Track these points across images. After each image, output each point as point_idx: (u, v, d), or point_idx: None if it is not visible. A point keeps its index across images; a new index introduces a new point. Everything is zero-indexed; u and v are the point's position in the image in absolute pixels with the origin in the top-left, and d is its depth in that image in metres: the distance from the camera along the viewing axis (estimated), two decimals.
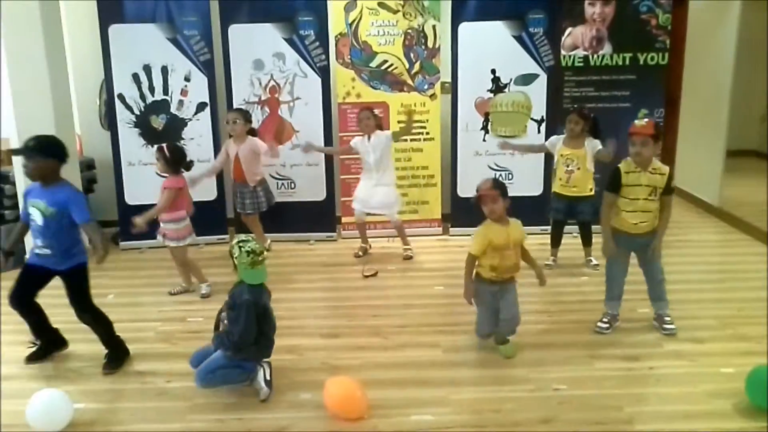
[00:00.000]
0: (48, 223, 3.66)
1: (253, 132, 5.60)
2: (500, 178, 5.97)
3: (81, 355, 4.01)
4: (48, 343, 4.01)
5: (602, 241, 4.08)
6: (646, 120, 4.01)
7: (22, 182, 5.32)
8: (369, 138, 5.44)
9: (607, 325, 4.14)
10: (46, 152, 3.65)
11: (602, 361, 3.78)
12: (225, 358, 3.42)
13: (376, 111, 5.61)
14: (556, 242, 5.42)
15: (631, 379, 3.61)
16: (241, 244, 3.40)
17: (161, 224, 4.82)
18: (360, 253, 5.72)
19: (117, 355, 3.90)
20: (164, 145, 4.92)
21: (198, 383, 3.43)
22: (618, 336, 4.04)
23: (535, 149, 5.68)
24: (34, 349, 3.99)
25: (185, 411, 3.37)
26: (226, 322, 3.48)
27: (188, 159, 4.90)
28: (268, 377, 3.49)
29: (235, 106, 5.86)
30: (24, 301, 3.87)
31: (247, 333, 3.37)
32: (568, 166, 5.12)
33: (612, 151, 4.93)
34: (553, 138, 5.36)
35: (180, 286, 5.00)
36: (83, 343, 4.11)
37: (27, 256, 3.92)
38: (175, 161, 4.78)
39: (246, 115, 5.57)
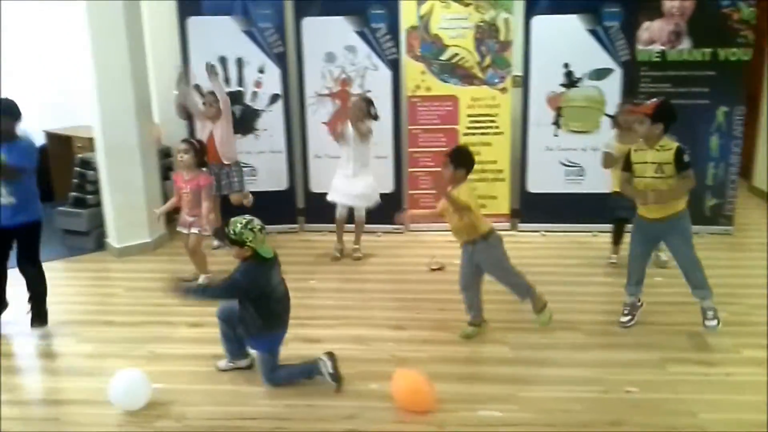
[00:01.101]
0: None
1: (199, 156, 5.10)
2: (572, 175, 5.97)
3: (160, 337, 4.17)
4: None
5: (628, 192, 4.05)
6: (653, 100, 4.04)
7: (105, 167, 5.57)
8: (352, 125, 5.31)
9: (628, 317, 4.17)
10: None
11: (676, 365, 3.70)
12: (266, 355, 3.53)
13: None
14: (618, 240, 5.30)
15: (707, 385, 3.53)
16: (250, 226, 3.36)
17: (188, 218, 4.90)
18: (338, 254, 5.61)
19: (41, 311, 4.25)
20: (192, 140, 5.03)
21: (268, 384, 3.54)
22: (694, 340, 3.95)
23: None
24: None
25: (258, 396, 3.47)
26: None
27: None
28: (331, 370, 3.51)
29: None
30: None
31: (212, 297, 3.69)
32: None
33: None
34: (609, 140, 5.14)
35: (204, 277, 5.03)
36: (162, 326, 4.29)
37: None
38: (202, 155, 4.94)
39: (216, 97, 5.53)
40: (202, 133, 5.57)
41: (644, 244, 4.12)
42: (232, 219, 3.40)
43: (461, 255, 4.08)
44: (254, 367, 3.67)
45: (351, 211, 5.54)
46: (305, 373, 3.56)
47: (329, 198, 5.53)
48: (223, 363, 3.73)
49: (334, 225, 5.65)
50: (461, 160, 3.87)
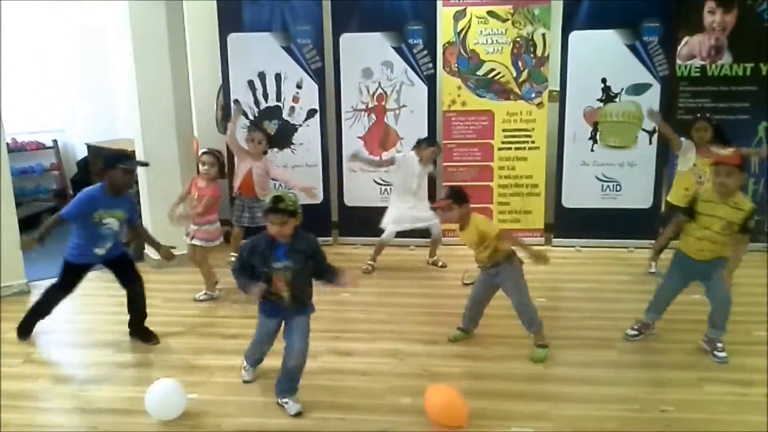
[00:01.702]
0: (121, 228, 4.16)
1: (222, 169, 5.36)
2: (608, 190, 5.91)
3: (196, 347, 4.24)
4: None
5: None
6: (732, 149, 3.87)
7: (145, 180, 5.68)
8: (422, 162, 5.48)
9: (635, 333, 4.16)
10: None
11: (713, 385, 3.64)
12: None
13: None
14: (658, 252, 5.21)
15: (744, 406, 3.45)
16: (293, 197, 3.32)
17: (193, 227, 4.99)
18: (370, 269, 5.65)
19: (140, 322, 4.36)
20: (215, 151, 5.09)
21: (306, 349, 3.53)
22: (731, 359, 3.86)
23: (668, 134, 5.18)
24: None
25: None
26: (293, 282, 3.42)
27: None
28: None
29: (254, 123, 6.02)
30: (63, 296, 4.28)
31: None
32: (700, 177, 4.91)
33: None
34: (686, 141, 5.04)
35: (204, 293, 5.09)
36: (197, 336, 4.35)
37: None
38: (223, 168, 5.07)
39: (270, 137, 5.76)
40: (240, 168, 5.64)
41: (682, 280, 4.04)
42: (278, 194, 3.31)
43: (480, 274, 4.15)
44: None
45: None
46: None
47: (391, 228, 5.58)
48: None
49: (367, 238, 5.73)
50: (462, 197, 3.96)
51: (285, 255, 3.33)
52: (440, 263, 5.72)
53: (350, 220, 6.32)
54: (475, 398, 3.51)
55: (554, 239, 6.15)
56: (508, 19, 5.87)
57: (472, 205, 4.00)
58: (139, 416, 3.41)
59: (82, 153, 7.71)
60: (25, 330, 4.31)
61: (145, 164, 4.60)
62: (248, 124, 6.11)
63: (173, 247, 4.39)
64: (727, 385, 3.64)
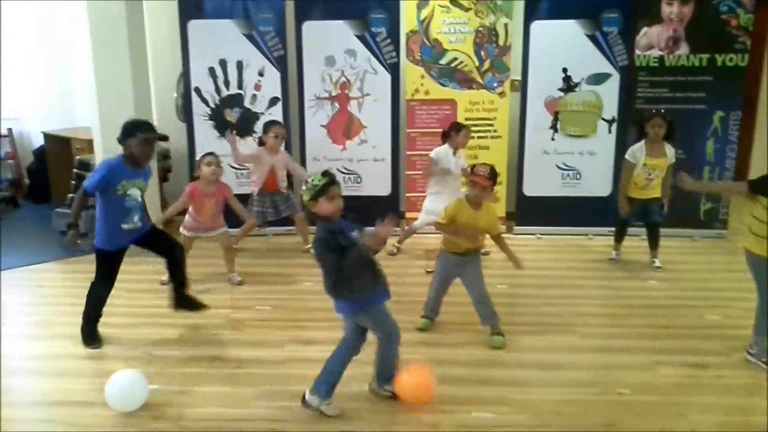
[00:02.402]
0: (143, 198, 4.07)
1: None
2: (568, 178, 6.00)
3: (157, 339, 4.19)
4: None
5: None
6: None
7: None
8: (454, 152, 5.43)
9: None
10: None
11: (668, 368, 3.73)
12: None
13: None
14: (620, 238, 5.38)
15: (698, 387, 3.55)
16: (328, 175, 3.17)
17: (206, 225, 5.05)
18: (395, 251, 5.75)
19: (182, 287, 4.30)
20: (212, 153, 5.04)
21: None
22: (685, 343, 3.97)
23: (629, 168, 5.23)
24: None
25: (254, 397, 3.49)
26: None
27: None
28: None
29: (271, 119, 5.84)
30: (112, 284, 4.19)
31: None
32: (649, 175, 5.06)
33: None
34: (631, 150, 5.14)
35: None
36: (159, 327, 4.32)
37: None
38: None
39: (285, 129, 5.73)
40: (259, 169, 5.58)
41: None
42: (323, 171, 3.19)
43: (440, 264, 4.15)
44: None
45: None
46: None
47: (424, 217, 5.56)
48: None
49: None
50: (496, 178, 3.95)
51: (351, 228, 3.19)
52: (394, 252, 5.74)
53: None
54: (438, 384, 3.54)
55: (516, 227, 6.23)
56: (470, 9, 5.90)
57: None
58: (98, 408, 3.36)
59: (39, 141, 7.55)
60: (90, 339, 4.11)
61: (164, 138, 4.36)
62: (208, 113, 6.06)
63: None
64: (682, 368, 3.73)
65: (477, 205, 3.95)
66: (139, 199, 4.02)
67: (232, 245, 5.21)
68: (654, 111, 5.26)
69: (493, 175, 3.88)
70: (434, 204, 5.34)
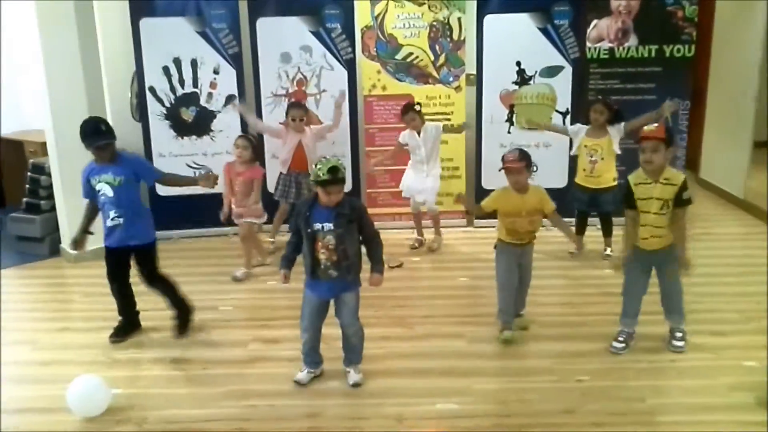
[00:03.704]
0: (119, 194, 3.94)
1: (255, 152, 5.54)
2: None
3: (117, 342, 4.14)
4: (129, 324, 4.23)
5: (619, 253, 3.98)
6: (655, 125, 3.70)
7: (58, 172, 5.48)
8: (419, 132, 5.48)
9: (623, 345, 3.87)
10: (112, 132, 4.00)
11: (625, 354, 3.83)
12: (357, 293, 3.49)
13: (416, 105, 5.50)
14: (580, 231, 5.49)
15: (654, 372, 3.66)
16: (343, 164, 3.33)
17: (235, 208, 5.12)
18: (416, 245, 5.77)
19: (184, 317, 4.19)
20: (248, 135, 5.22)
21: (357, 323, 3.55)
22: (641, 328, 4.06)
23: (558, 130, 5.65)
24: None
25: (219, 397, 3.49)
26: (335, 246, 3.32)
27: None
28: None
29: (293, 102, 5.89)
30: (119, 281, 4.12)
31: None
32: (591, 157, 5.18)
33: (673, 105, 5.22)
34: (575, 126, 5.41)
35: (243, 271, 5.18)
36: None
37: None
38: (255, 150, 5.17)
39: (306, 108, 5.71)
40: (285, 146, 5.58)
41: (643, 275, 3.84)
42: (332, 164, 3.24)
43: (502, 256, 4.04)
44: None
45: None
46: (317, 356, 3.67)
47: (404, 194, 5.72)
48: (303, 375, 3.62)
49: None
50: (530, 160, 3.93)
51: (329, 218, 3.29)
52: (435, 246, 5.75)
53: (272, 208, 6.28)
54: (400, 377, 3.62)
55: (476, 220, 6.29)
56: (424, 3, 5.93)
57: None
58: (60, 414, 3.33)
59: None
60: (114, 332, 4.16)
61: (107, 144, 3.94)
62: (164, 112, 6.00)
63: (210, 172, 4.24)
64: (637, 353, 3.84)
65: (521, 190, 3.93)
66: (110, 194, 3.92)
67: (248, 237, 5.21)
68: (599, 98, 5.49)
69: (522, 156, 3.87)
70: (414, 182, 5.63)
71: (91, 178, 3.95)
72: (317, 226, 3.30)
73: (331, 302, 3.51)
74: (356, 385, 3.54)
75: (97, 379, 3.39)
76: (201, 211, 5.85)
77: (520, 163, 3.83)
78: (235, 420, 3.30)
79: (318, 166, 3.25)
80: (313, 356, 3.61)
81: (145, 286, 4.13)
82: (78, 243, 4.12)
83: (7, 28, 6.76)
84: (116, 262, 4.08)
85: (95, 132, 3.89)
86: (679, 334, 3.90)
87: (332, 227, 3.29)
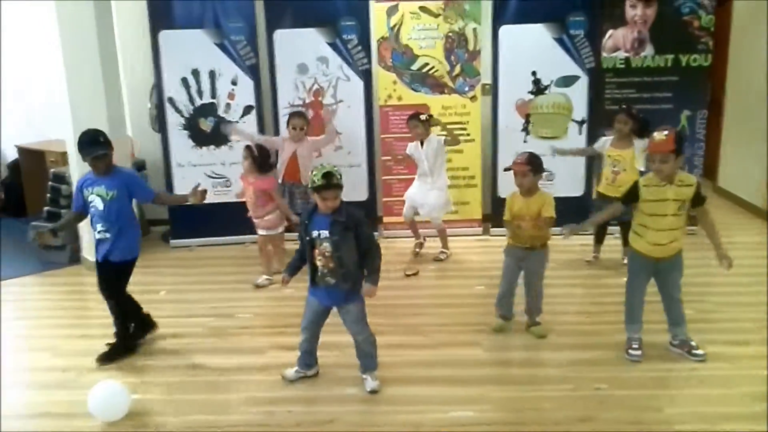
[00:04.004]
0: (109, 208, 3.92)
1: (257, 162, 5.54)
2: (542, 180, 6.08)
3: (138, 348, 4.19)
4: (138, 329, 4.23)
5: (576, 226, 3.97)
6: (666, 133, 3.62)
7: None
8: (422, 144, 5.52)
9: (640, 352, 3.86)
10: (110, 144, 3.98)
11: (642, 363, 3.82)
12: (361, 301, 3.51)
13: (423, 115, 5.57)
14: (598, 240, 5.48)
15: (672, 381, 3.65)
16: (339, 170, 3.38)
17: (255, 219, 5.22)
18: (417, 249, 5.81)
19: (119, 349, 4.08)
20: (252, 145, 5.23)
21: (366, 330, 3.58)
22: (658, 337, 4.04)
23: (587, 153, 5.65)
24: (107, 350, 4.11)
25: (237, 403, 3.52)
26: (331, 254, 3.37)
27: (272, 159, 5.30)
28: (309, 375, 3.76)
29: (294, 110, 5.94)
30: (109, 293, 4.10)
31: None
32: (614, 167, 5.17)
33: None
34: (601, 139, 5.38)
35: (264, 278, 5.24)
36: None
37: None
38: (262, 162, 5.14)
39: (306, 118, 5.76)
40: (281, 157, 5.66)
41: (646, 283, 3.86)
42: (326, 170, 3.32)
43: (505, 255, 4.19)
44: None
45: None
46: (312, 358, 3.76)
47: (407, 204, 5.75)
48: (291, 372, 3.72)
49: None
50: (540, 165, 4.00)
51: (325, 225, 3.37)
52: (444, 257, 5.76)
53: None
54: (418, 385, 3.63)
55: (492, 229, 6.30)
56: (439, 14, 5.98)
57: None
58: (80, 419, 3.37)
59: (12, 155, 7.49)
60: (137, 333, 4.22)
61: (104, 154, 3.93)
62: (183, 123, 6.07)
63: (197, 185, 4.19)
64: (656, 362, 3.82)
65: (528, 193, 4.01)
66: (100, 207, 3.92)
67: (262, 247, 5.32)
68: (622, 106, 5.42)
69: (530, 160, 3.94)
70: (417, 194, 5.68)
71: (85, 189, 3.95)
72: (315, 233, 3.39)
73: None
74: (373, 391, 3.56)
75: (117, 385, 3.44)
76: (219, 220, 5.91)
77: (526, 166, 3.92)
78: (252, 426, 3.32)
79: (314, 173, 3.35)
80: (307, 358, 3.71)
81: (103, 297, 4.10)
82: (40, 236, 4.10)
83: (29, 40, 6.90)
84: (103, 276, 4.07)
85: (93, 142, 3.91)
86: (693, 343, 3.88)
87: (328, 234, 3.36)
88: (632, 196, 3.74)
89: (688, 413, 3.33)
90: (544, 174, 5.97)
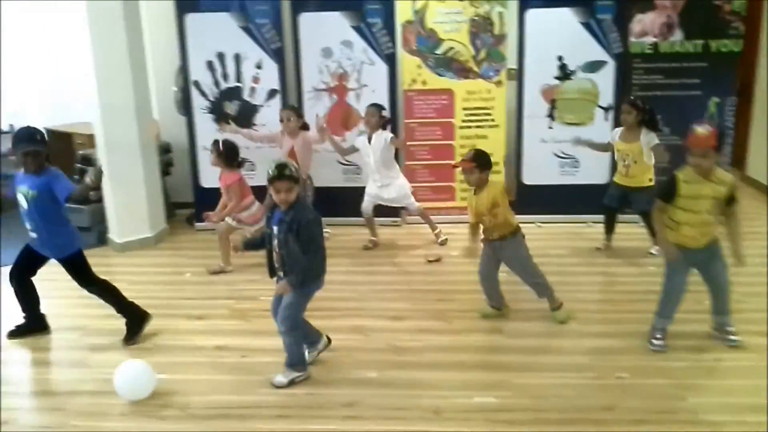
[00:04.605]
0: (34, 208, 3.88)
1: (305, 127, 5.71)
2: (566, 166, 6.05)
3: (162, 329, 4.25)
4: (32, 323, 4.25)
5: (662, 248, 3.88)
6: (709, 128, 3.55)
7: (105, 163, 5.62)
8: (370, 139, 5.53)
9: (663, 342, 3.83)
10: (45, 143, 3.94)
11: (666, 352, 3.79)
12: (295, 296, 3.49)
13: (385, 111, 5.66)
14: (609, 229, 5.45)
15: (697, 371, 3.61)
16: (295, 165, 3.47)
17: (231, 216, 5.18)
18: (370, 245, 5.76)
19: (133, 323, 4.13)
20: (219, 140, 5.20)
21: (284, 323, 3.53)
22: (684, 327, 4.00)
23: (607, 149, 5.50)
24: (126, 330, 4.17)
25: (258, 384, 3.56)
26: (278, 250, 3.44)
27: (241, 158, 5.22)
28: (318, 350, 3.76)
29: (288, 104, 6.02)
30: (21, 278, 4.15)
31: (319, 252, 3.45)
32: (624, 161, 5.14)
33: (665, 155, 5.03)
34: (614, 130, 5.34)
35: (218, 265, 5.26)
36: (164, 318, 4.36)
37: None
38: (228, 157, 5.11)
39: (298, 112, 5.76)
40: (281, 151, 5.69)
41: (687, 274, 3.77)
42: (280, 162, 3.41)
43: (483, 248, 4.20)
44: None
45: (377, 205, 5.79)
46: (308, 339, 3.73)
47: (365, 201, 5.72)
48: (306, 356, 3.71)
49: (333, 218, 5.87)
50: (486, 162, 4.05)
51: (277, 221, 3.42)
52: (440, 239, 5.76)
53: (316, 200, 6.33)
54: (440, 370, 3.64)
55: (515, 215, 6.25)
56: None
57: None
58: (106, 397, 3.43)
59: None
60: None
61: (34, 151, 3.85)
62: (208, 106, 6.11)
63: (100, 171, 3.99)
64: (681, 351, 3.79)
65: (478, 189, 4.07)
66: (24, 206, 3.89)
67: (227, 235, 5.23)
68: (628, 99, 5.35)
69: (476, 157, 4.03)
70: (367, 188, 5.73)
71: (17, 186, 3.93)
72: (273, 227, 3.45)
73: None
74: (277, 386, 3.55)
75: (143, 365, 3.49)
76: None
77: (471, 163, 4.01)
78: (274, 407, 3.36)
79: (270, 166, 3.38)
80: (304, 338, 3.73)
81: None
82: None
83: (58, 24, 6.95)
84: (25, 259, 4.10)
85: (28, 139, 3.82)
86: (731, 329, 3.87)
87: (276, 231, 3.41)
88: (671, 191, 3.63)
89: (713, 403, 3.30)
90: (568, 161, 6.05)
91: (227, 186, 5.14)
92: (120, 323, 4.18)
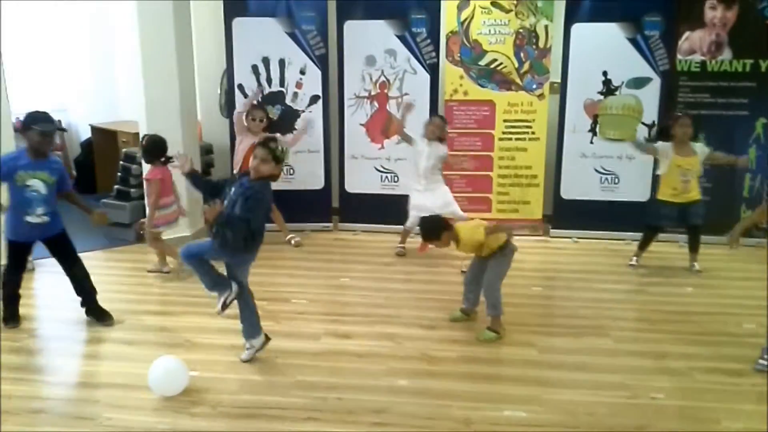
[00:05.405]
0: (51, 193, 4.09)
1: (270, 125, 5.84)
2: (606, 182, 5.98)
3: (196, 327, 4.31)
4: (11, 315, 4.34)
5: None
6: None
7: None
8: (429, 143, 5.51)
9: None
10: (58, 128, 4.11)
11: (703, 374, 3.71)
12: (212, 250, 3.64)
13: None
14: (644, 245, 5.39)
15: (733, 395, 3.53)
16: (285, 150, 3.70)
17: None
18: (402, 252, 5.75)
19: (93, 310, 4.35)
20: (147, 135, 5.17)
21: (182, 255, 3.75)
22: (722, 350, 3.94)
23: (657, 154, 5.33)
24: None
25: (290, 386, 3.58)
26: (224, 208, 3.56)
27: (166, 156, 5.04)
28: (228, 300, 3.80)
29: (260, 104, 6.05)
30: (19, 274, 4.28)
31: (253, 223, 3.55)
32: (684, 176, 5.06)
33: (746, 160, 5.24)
34: (663, 144, 5.22)
35: (154, 264, 5.31)
36: (198, 315, 4.42)
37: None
38: (148, 152, 5.05)
39: (268, 115, 5.88)
40: (239, 148, 5.77)
41: None
42: (272, 139, 3.65)
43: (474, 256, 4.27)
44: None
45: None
46: (213, 280, 3.81)
47: (413, 214, 5.59)
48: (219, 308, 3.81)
49: (367, 224, 5.87)
50: (432, 232, 4.09)
51: (238, 185, 3.58)
52: None
53: (351, 207, 6.38)
54: (471, 381, 3.61)
55: (552, 230, 6.21)
56: (511, 10, 5.91)
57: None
58: (139, 391, 3.48)
59: (86, 134, 7.75)
60: (9, 318, 4.30)
61: (62, 129, 4.27)
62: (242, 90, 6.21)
63: (104, 212, 4.41)
64: (717, 375, 3.71)
65: (456, 245, 4.13)
66: (43, 192, 4.03)
67: (152, 240, 5.22)
68: (679, 113, 5.32)
69: (425, 235, 4.18)
70: (419, 200, 5.54)
71: (21, 170, 3.97)
72: (230, 187, 3.64)
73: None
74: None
75: (177, 361, 3.53)
76: (280, 206, 5.99)
77: (426, 243, 4.19)
78: (304, 410, 3.37)
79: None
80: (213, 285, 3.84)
81: (66, 272, 4.30)
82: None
83: (108, 23, 7.12)
84: (23, 256, 4.24)
85: (45, 119, 3.99)
86: None
87: (232, 192, 3.58)
88: None
89: (746, 429, 3.23)
90: (609, 177, 5.98)
91: (145, 179, 5.11)
92: (154, 319, 4.26)
